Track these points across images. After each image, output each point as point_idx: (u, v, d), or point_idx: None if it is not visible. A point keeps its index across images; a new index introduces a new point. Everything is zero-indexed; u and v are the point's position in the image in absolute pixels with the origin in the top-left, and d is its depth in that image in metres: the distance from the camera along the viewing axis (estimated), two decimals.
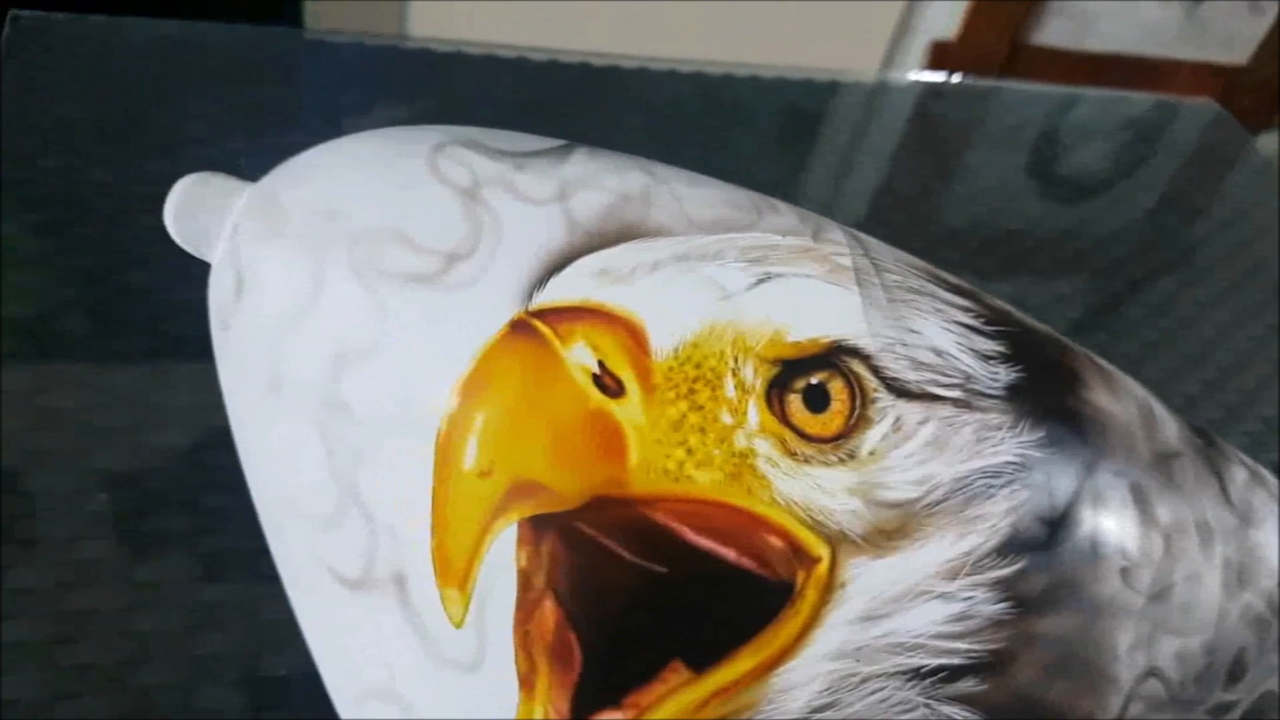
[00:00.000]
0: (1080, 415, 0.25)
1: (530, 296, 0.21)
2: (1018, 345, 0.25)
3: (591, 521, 0.21)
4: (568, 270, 0.21)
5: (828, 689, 0.22)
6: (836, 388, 0.22)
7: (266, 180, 0.23)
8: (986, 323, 0.25)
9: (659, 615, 0.21)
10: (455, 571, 0.21)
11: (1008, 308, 0.26)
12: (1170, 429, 0.27)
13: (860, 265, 0.24)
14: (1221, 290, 0.57)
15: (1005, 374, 0.24)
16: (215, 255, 0.23)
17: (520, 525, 0.21)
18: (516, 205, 0.22)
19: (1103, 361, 0.27)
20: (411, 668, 0.22)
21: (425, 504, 0.21)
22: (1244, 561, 0.26)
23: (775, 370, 0.22)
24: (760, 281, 0.22)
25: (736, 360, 0.21)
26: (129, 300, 0.38)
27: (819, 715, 0.22)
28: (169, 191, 0.24)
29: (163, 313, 0.38)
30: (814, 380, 0.22)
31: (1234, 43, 1.23)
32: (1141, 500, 0.25)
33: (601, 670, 0.21)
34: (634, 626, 0.21)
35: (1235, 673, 0.26)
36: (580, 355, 0.21)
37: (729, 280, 0.22)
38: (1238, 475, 0.27)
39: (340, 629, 0.23)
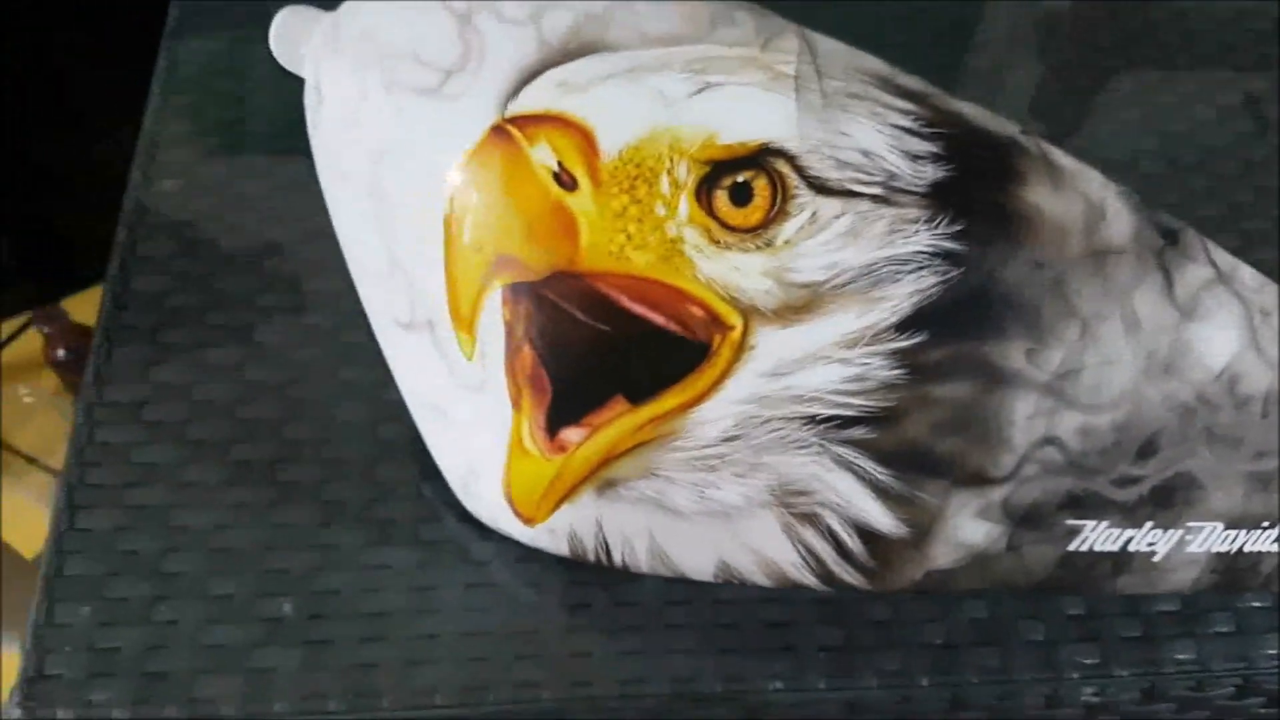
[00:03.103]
0: (1006, 210, 0.28)
1: (505, 105, 0.27)
2: (956, 146, 0.27)
3: (553, 290, 0.27)
4: (535, 82, 0.27)
5: (736, 425, 0.28)
6: (760, 185, 0.26)
7: (334, 13, 0.30)
8: (926, 125, 0.27)
9: (605, 361, 0.28)
10: (464, 319, 0.28)
11: (964, 110, 0.28)
12: (1120, 228, 0.29)
13: (802, 73, 0.27)
14: None
15: (933, 172, 0.27)
16: (305, 73, 0.31)
17: (504, 289, 0.28)
18: (498, 26, 0.27)
19: (1067, 161, 0.29)
20: (444, 388, 0.30)
21: (439, 270, 0.28)
22: (1173, 353, 0.28)
23: (706, 169, 0.26)
24: (701, 90, 0.27)
25: (672, 161, 0.26)
26: None
27: (728, 443, 0.28)
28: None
29: None
30: (740, 178, 0.26)
31: None
32: (1059, 289, 0.28)
33: (564, 398, 0.28)
34: (586, 368, 0.28)
35: (1146, 450, 0.29)
36: (543, 155, 0.27)
37: (671, 89, 0.27)
38: (1194, 274, 0.29)
39: (404, 359, 0.31)
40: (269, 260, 0.42)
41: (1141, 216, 0.29)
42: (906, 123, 0.27)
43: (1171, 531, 0.30)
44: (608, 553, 0.30)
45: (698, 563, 0.30)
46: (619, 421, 0.28)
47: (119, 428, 0.37)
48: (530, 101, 0.27)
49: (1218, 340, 0.29)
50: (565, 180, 0.27)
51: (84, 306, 0.85)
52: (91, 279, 0.95)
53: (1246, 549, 0.30)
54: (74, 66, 0.96)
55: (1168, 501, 0.29)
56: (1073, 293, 0.28)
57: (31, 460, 0.75)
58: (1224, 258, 0.30)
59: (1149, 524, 0.30)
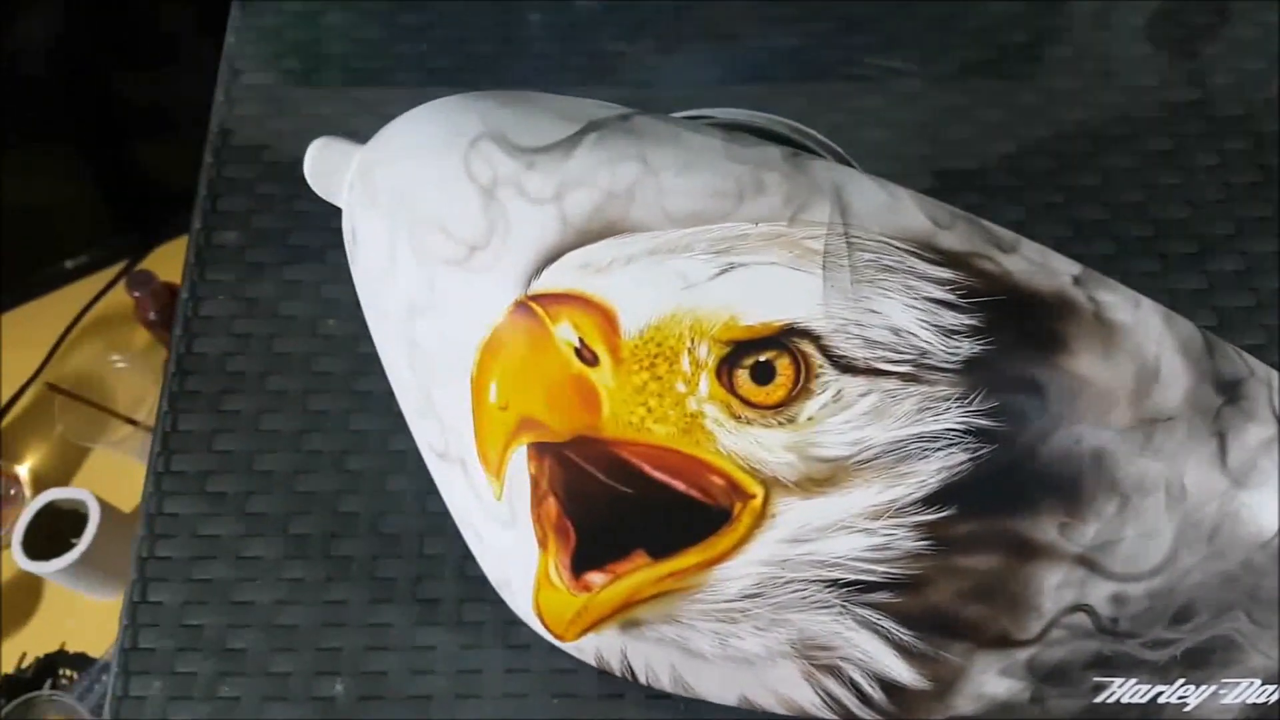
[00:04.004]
0: (1045, 384, 0.26)
1: (529, 283, 0.26)
2: (996, 316, 0.26)
3: (576, 452, 0.27)
4: (558, 263, 0.26)
5: (757, 584, 0.28)
6: (783, 364, 0.26)
7: (368, 149, 0.30)
8: (965, 294, 0.26)
9: (626, 518, 0.28)
10: (492, 466, 0.29)
11: (1011, 268, 0.27)
12: (1174, 390, 0.27)
13: (832, 248, 0.26)
14: None
15: (969, 347, 0.26)
16: (342, 204, 0.31)
17: (529, 446, 0.28)
18: (522, 205, 0.26)
19: (1123, 312, 0.27)
20: (477, 515, 0.31)
21: (469, 419, 0.29)
22: (1219, 522, 0.27)
23: (727, 349, 0.26)
24: (723, 271, 0.26)
25: (693, 341, 0.26)
26: None
27: (749, 599, 0.28)
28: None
29: None
30: (762, 358, 0.26)
31: None
32: (1100, 463, 0.27)
33: (588, 546, 0.28)
34: (609, 523, 0.28)
35: (1182, 616, 0.28)
36: (565, 332, 0.26)
37: (693, 271, 0.26)
38: (1253, 435, 0.27)
39: (443, 482, 0.32)
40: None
41: (1201, 370, 0.27)
42: (942, 294, 0.26)
43: (1205, 687, 0.29)
44: (633, 674, 0.31)
45: (720, 694, 0.31)
46: (640, 572, 0.28)
47: (187, 499, 0.39)
48: (552, 281, 0.26)
49: (1268, 507, 0.27)
50: (587, 356, 0.26)
51: (168, 264, 0.88)
52: (177, 229, 0.98)
53: None
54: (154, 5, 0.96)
55: (1203, 662, 0.29)
56: (1114, 466, 0.27)
57: (133, 422, 0.80)
58: None
59: (1181, 680, 0.29)
